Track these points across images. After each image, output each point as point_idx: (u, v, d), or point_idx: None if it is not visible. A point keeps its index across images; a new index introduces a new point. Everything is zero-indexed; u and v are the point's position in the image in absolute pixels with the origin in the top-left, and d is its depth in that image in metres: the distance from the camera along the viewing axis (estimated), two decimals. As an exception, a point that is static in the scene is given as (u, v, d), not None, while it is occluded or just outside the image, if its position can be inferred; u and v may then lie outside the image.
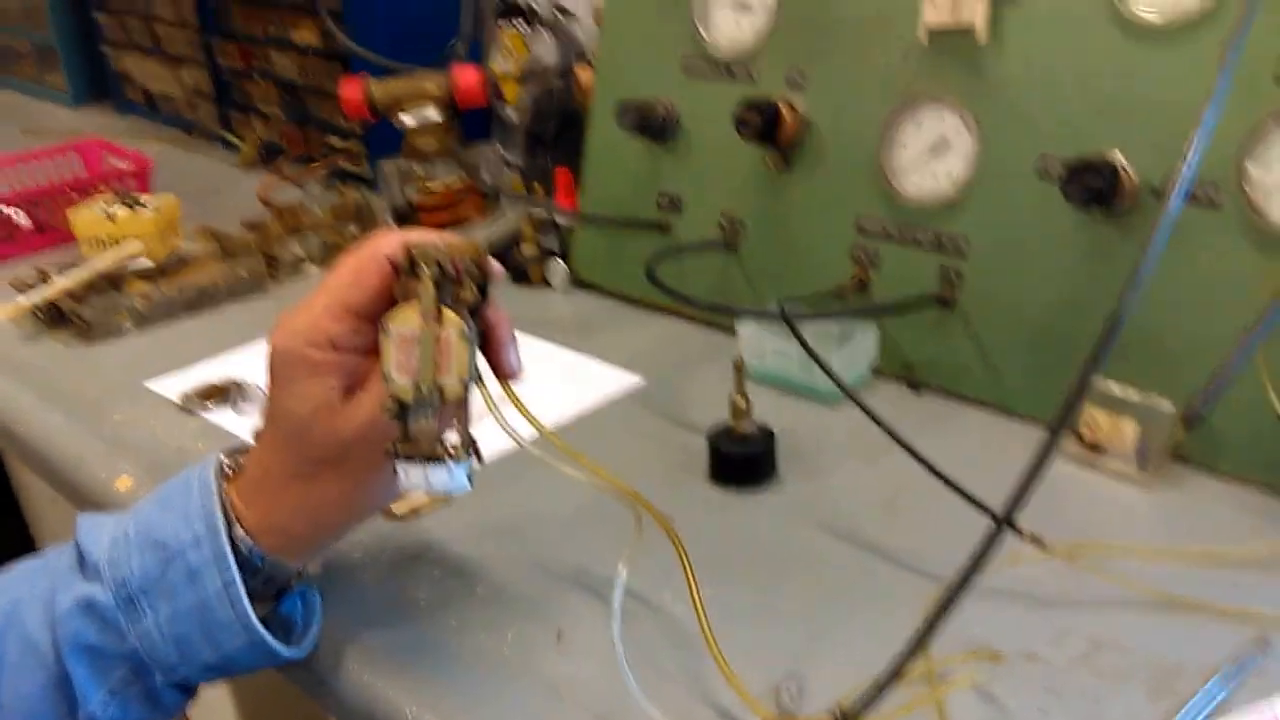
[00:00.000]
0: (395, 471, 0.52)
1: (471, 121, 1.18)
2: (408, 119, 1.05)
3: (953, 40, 0.79)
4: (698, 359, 0.88)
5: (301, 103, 1.32)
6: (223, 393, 0.84)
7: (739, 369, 0.71)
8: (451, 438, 0.52)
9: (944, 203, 0.80)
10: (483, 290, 0.54)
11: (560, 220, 1.04)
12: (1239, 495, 0.68)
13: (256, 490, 0.56)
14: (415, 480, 0.52)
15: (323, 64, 1.28)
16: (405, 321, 0.52)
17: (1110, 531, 0.65)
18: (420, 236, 0.55)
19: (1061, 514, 0.66)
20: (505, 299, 0.57)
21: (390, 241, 0.55)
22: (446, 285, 0.53)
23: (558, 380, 0.86)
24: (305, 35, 1.27)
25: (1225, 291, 0.69)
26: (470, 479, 0.52)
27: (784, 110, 0.86)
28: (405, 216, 1.09)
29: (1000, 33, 0.77)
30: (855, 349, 0.82)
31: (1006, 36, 0.77)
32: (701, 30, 0.93)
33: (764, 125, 0.85)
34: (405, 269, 0.53)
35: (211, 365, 0.90)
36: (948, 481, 0.64)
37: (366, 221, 1.12)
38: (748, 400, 0.71)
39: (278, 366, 0.55)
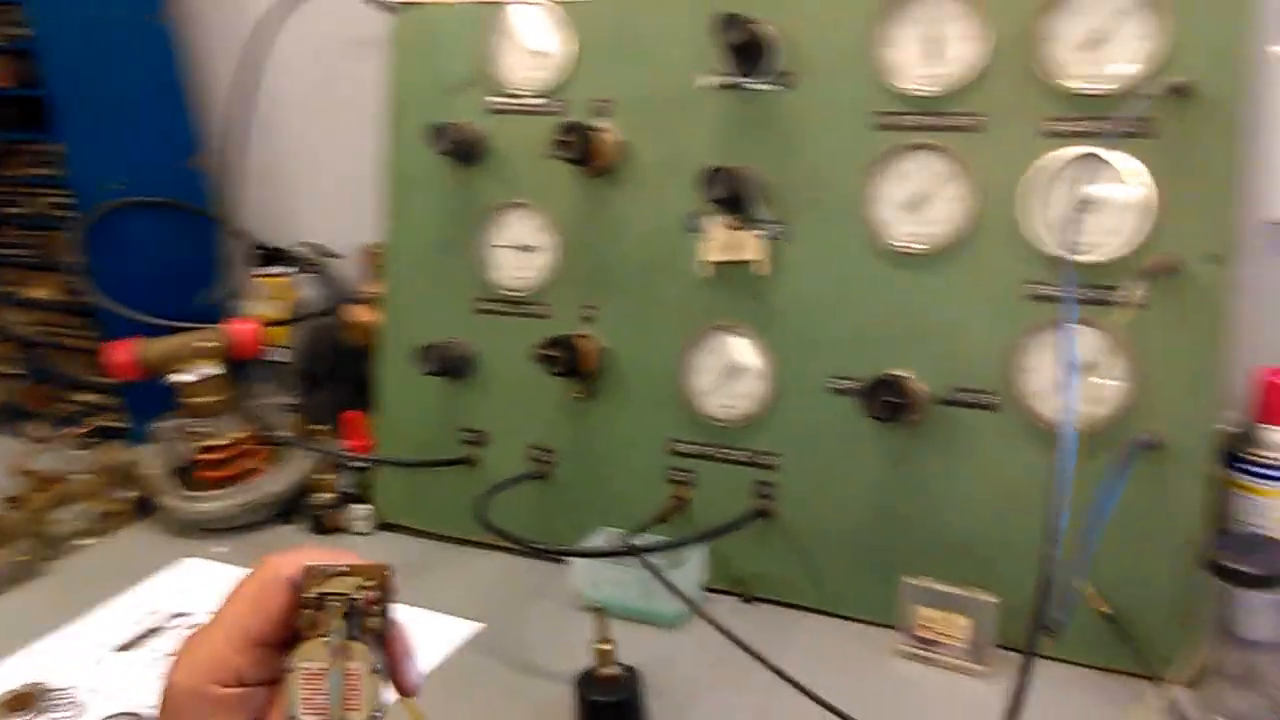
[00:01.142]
0: None
1: (243, 368, 1.16)
2: (184, 376, 1.02)
3: (737, 272, 0.86)
4: (531, 594, 0.90)
5: (43, 359, 1.25)
6: (26, 700, 0.77)
7: (600, 614, 0.73)
8: None
9: (748, 421, 0.87)
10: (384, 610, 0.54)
11: (355, 464, 1.04)
12: (1066, 674, 0.75)
13: None
14: None
15: (64, 318, 1.23)
16: (311, 658, 0.51)
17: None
18: (321, 557, 0.54)
19: (919, 710, 0.71)
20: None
21: (289, 563, 0.53)
22: (354, 616, 0.52)
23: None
24: (44, 290, 1.22)
25: (1018, 485, 0.78)
26: None
27: (579, 343, 0.91)
28: (187, 474, 1.04)
29: (781, 265, 0.85)
30: (688, 569, 0.85)
31: (786, 268, 0.85)
32: (485, 271, 0.97)
33: (568, 359, 0.90)
34: (311, 600, 0.52)
35: (4, 667, 0.83)
36: (820, 700, 0.68)
37: (139, 483, 1.06)
38: (611, 643, 0.73)
39: (179, 705, 0.51)
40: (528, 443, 0.95)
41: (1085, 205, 0.74)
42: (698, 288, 0.88)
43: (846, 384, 0.83)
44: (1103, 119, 0.75)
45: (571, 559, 0.87)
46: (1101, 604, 0.74)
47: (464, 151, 0.96)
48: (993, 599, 0.76)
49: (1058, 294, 0.75)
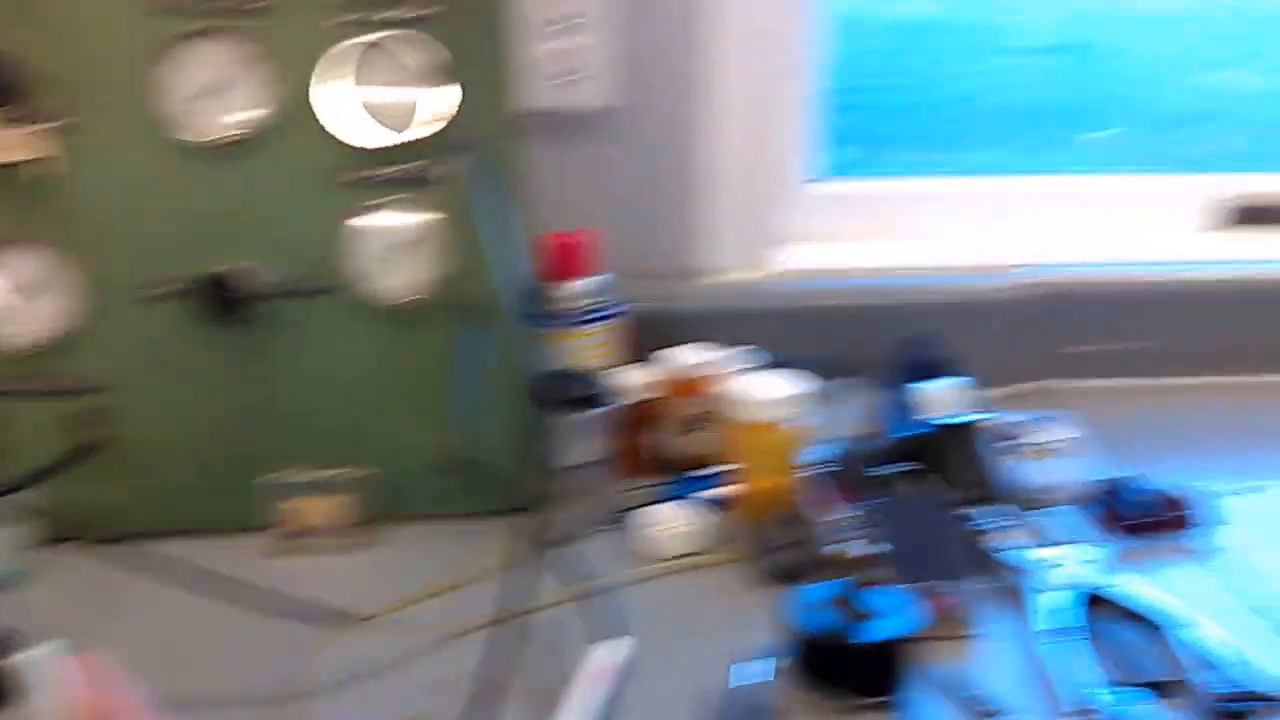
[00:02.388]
0: None
1: None
2: None
3: (12, 176, 0.77)
4: None
5: None
6: None
7: None
8: None
9: (58, 345, 0.79)
10: None
11: None
12: (438, 528, 0.84)
13: None
14: None
15: None
16: None
17: (370, 595, 0.75)
18: None
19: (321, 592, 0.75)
20: None
21: None
22: None
23: None
24: None
25: (363, 362, 0.83)
26: None
27: None
28: None
29: (71, 165, 0.78)
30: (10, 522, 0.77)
31: (78, 169, 0.78)
32: None
33: None
34: None
35: None
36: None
37: None
38: None
39: None
40: None
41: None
42: (-36, 201, 0.77)
43: (169, 288, 0.80)
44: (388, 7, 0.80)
45: None
46: (447, 458, 0.83)
47: None
48: (357, 472, 0.81)
49: (368, 178, 0.80)
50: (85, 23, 0.77)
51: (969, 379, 0.90)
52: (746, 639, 0.71)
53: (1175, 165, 1.20)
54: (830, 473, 0.84)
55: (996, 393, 1.03)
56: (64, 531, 0.81)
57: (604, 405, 0.83)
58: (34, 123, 0.77)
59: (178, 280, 0.79)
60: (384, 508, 0.83)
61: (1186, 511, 0.84)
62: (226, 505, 0.82)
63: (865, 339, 0.99)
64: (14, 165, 0.77)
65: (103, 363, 0.80)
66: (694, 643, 0.72)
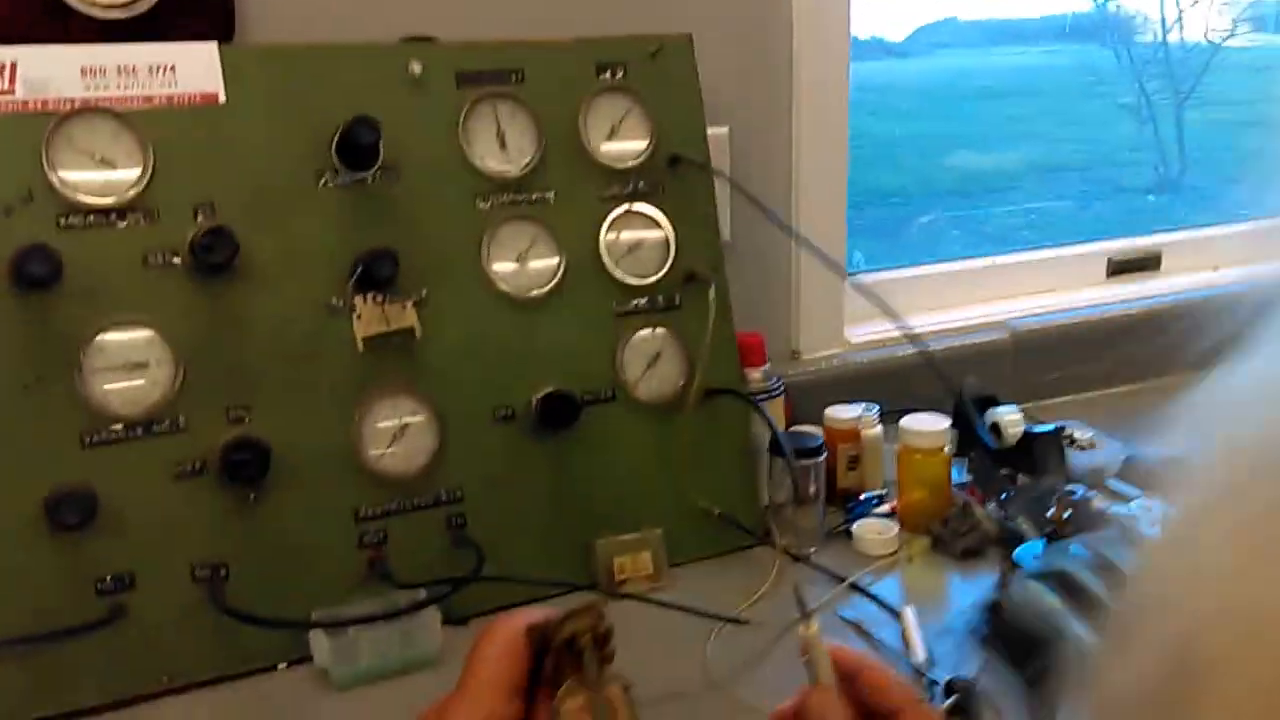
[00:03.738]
0: None
1: None
2: None
3: (389, 342, 1.01)
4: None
5: None
6: None
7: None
8: None
9: (429, 469, 1.03)
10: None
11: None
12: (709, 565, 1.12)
13: None
14: None
15: None
16: (574, 696, 0.64)
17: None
18: (542, 613, 0.64)
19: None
20: None
21: (514, 623, 0.64)
22: (599, 648, 0.65)
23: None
24: None
25: (641, 451, 1.11)
26: None
27: (261, 441, 0.96)
28: None
29: (427, 327, 1.03)
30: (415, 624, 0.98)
31: (431, 330, 1.03)
32: (89, 402, 0.92)
33: (259, 459, 0.94)
34: (559, 646, 0.64)
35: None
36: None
37: None
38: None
39: None
40: (191, 562, 0.95)
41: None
42: (353, 364, 1.00)
43: (506, 411, 1.05)
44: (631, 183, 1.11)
45: (318, 650, 0.94)
46: (713, 507, 1.12)
47: (30, 277, 0.90)
48: (651, 532, 1.09)
49: (633, 310, 1.11)
50: (430, 216, 1.04)
51: (1015, 404, 1.29)
52: (971, 585, 1.05)
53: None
54: (972, 479, 1.21)
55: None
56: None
57: (816, 455, 1.15)
58: (401, 299, 1.02)
59: (510, 405, 1.06)
60: (677, 555, 1.11)
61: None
62: (561, 570, 1.07)
63: (925, 386, 1.36)
64: (395, 333, 1.01)
65: (461, 479, 1.05)
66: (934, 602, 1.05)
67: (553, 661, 0.63)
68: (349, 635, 0.94)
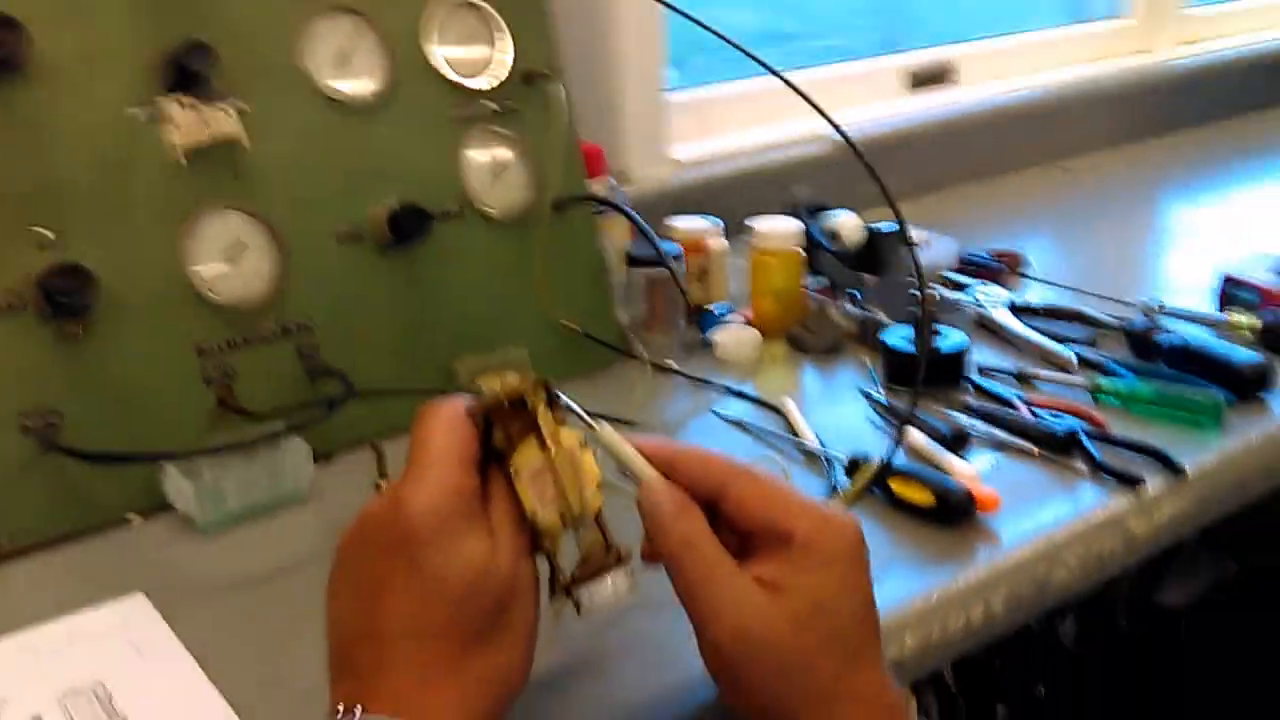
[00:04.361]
0: (575, 604, 0.60)
1: None
2: None
3: (211, 152, 0.91)
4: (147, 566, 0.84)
5: None
6: None
7: (379, 452, 0.81)
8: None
9: (271, 295, 0.94)
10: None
11: None
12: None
13: (424, 697, 0.53)
14: (599, 599, 0.60)
15: None
16: (531, 457, 0.60)
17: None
18: (487, 388, 0.60)
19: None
20: None
21: (455, 403, 0.59)
22: (551, 406, 0.61)
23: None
24: None
25: (492, 267, 1.05)
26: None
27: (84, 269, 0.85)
28: None
29: (252, 135, 0.93)
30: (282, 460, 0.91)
31: (257, 138, 0.93)
32: None
33: (80, 289, 0.83)
34: (508, 409, 0.59)
35: None
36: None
37: None
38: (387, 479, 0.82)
39: (428, 531, 0.54)
40: (18, 411, 0.84)
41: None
42: (176, 179, 0.90)
43: (350, 229, 0.97)
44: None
45: (179, 496, 0.85)
46: (573, 323, 1.08)
47: None
48: (522, 349, 1.04)
49: (472, 116, 1.04)
50: (242, 11, 0.93)
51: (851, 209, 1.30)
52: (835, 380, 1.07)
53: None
54: (823, 281, 1.22)
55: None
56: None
57: (677, 261, 1.13)
58: (219, 102, 0.91)
59: (353, 221, 0.97)
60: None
61: (1016, 257, 1.32)
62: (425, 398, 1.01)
63: (754, 201, 1.35)
64: (212, 146, 0.91)
65: (309, 305, 0.96)
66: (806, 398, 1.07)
67: (503, 431, 0.59)
68: (210, 478, 0.86)
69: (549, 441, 0.59)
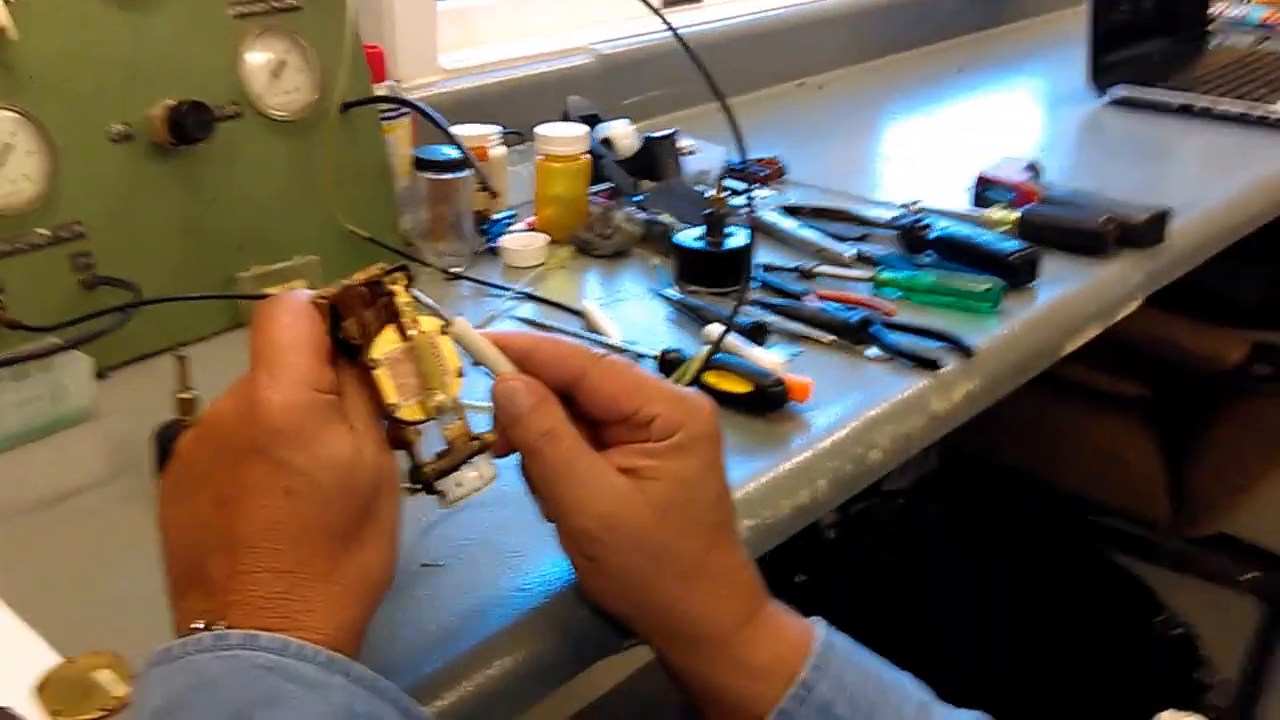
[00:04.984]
0: (440, 494, 0.60)
1: None
2: None
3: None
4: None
5: None
6: None
7: (181, 361, 0.77)
8: None
9: (40, 199, 0.87)
10: None
11: None
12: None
13: (290, 604, 0.51)
14: (465, 486, 0.60)
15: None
16: (389, 346, 0.59)
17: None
18: (328, 288, 0.58)
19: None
20: None
21: (298, 295, 0.57)
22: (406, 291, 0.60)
23: None
24: None
25: (277, 171, 1.01)
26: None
27: None
28: None
29: (24, 26, 0.85)
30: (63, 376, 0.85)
31: (30, 28, 0.86)
32: None
33: None
34: (360, 297, 0.58)
35: None
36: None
37: None
38: (192, 391, 0.78)
39: (290, 429, 0.51)
40: None
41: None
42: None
43: (124, 129, 0.91)
44: None
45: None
46: (361, 230, 1.06)
47: None
48: (313, 257, 1.01)
49: (250, 12, 0.99)
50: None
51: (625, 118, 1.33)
52: (621, 282, 1.10)
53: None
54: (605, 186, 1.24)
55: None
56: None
57: (463, 167, 1.12)
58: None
59: (129, 122, 0.91)
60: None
61: (776, 163, 1.39)
62: (214, 311, 0.97)
63: (526, 111, 1.35)
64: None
65: (81, 210, 0.90)
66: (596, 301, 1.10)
67: (356, 321, 0.58)
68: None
69: (410, 327, 0.58)
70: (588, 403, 0.60)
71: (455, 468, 0.60)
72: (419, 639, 0.64)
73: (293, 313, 0.55)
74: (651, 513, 0.58)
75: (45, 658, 0.62)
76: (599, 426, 0.61)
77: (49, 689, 0.60)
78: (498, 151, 1.22)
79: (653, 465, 0.59)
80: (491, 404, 0.60)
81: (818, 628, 0.63)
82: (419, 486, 0.60)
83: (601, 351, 0.62)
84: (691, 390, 0.63)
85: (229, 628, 0.49)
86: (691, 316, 1.02)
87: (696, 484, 0.60)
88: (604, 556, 0.59)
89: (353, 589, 0.53)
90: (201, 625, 0.49)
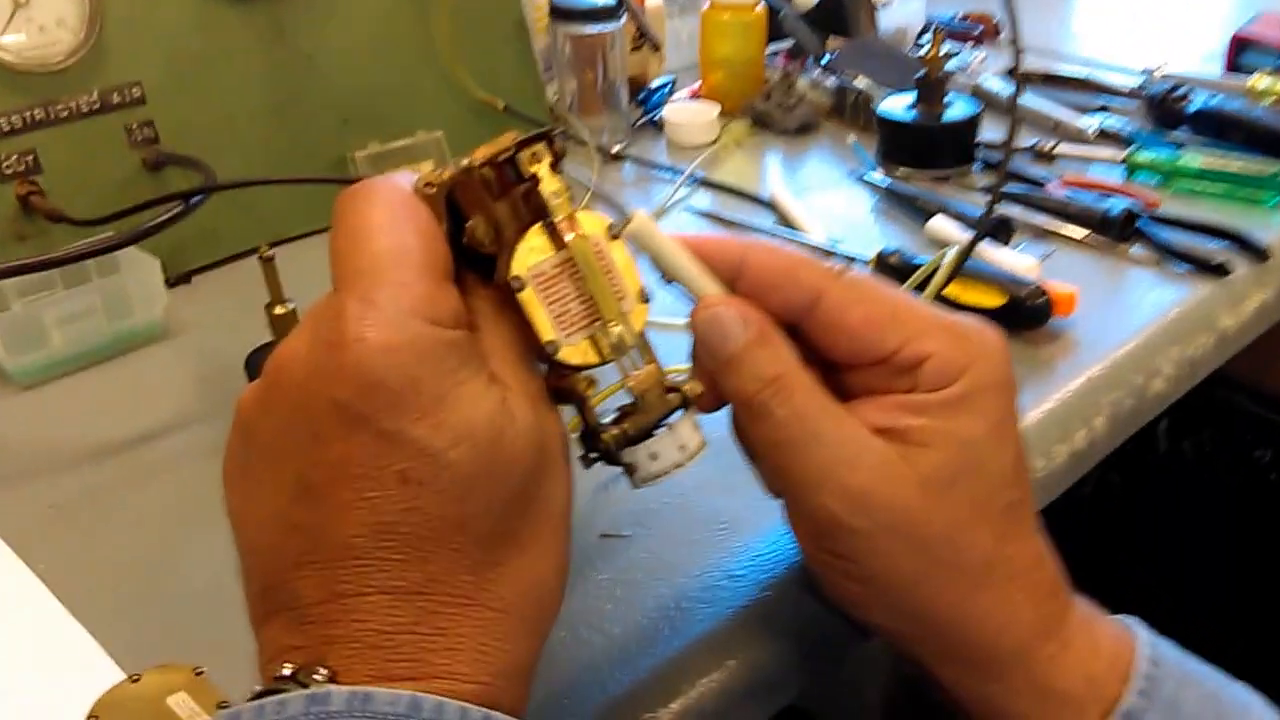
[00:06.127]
0: (628, 469, 0.40)
1: None
2: None
3: None
4: None
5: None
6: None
7: (269, 265, 0.58)
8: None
9: (83, 51, 0.68)
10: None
11: None
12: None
13: (418, 647, 0.33)
14: (663, 460, 0.39)
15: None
16: (536, 257, 0.38)
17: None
18: (439, 169, 0.37)
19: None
20: None
21: (397, 181, 0.37)
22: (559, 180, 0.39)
23: None
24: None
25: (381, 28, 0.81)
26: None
27: None
28: None
29: None
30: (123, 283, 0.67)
31: None
32: None
33: None
34: (486, 184, 0.37)
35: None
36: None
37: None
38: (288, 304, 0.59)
39: (398, 383, 0.32)
40: None
41: None
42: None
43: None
44: None
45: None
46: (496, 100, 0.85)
47: None
48: (436, 133, 0.81)
49: None
50: None
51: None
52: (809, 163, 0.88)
53: None
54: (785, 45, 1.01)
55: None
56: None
57: (614, 16, 0.90)
58: None
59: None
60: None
61: (990, 20, 1.14)
62: (312, 201, 0.77)
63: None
64: None
65: (132, 67, 0.71)
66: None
67: (485, 219, 0.37)
68: (22, 310, 0.62)
69: (566, 228, 0.37)
70: (826, 337, 0.40)
71: (648, 433, 0.39)
72: (603, 644, 0.46)
73: (392, 207, 0.35)
74: (923, 491, 0.39)
75: (102, 672, 0.45)
76: (841, 371, 0.41)
77: (105, 717, 0.43)
78: (654, 2, 0.99)
79: (925, 426, 0.39)
80: (690, 334, 0.40)
81: (1138, 632, 0.43)
82: (597, 456, 0.40)
83: (839, 265, 0.41)
84: (973, 319, 0.42)
85: (331, 678, 0.31)
86: (906, 207, 0.80)
87: (986, 451, 0.40)
88: (856, 551, 0.40)
89: (512, 613, 0.34)
90: (289, 671, 0.32)
